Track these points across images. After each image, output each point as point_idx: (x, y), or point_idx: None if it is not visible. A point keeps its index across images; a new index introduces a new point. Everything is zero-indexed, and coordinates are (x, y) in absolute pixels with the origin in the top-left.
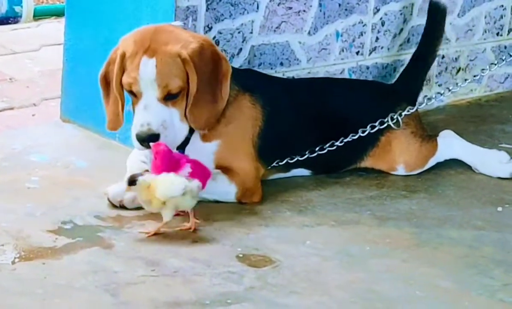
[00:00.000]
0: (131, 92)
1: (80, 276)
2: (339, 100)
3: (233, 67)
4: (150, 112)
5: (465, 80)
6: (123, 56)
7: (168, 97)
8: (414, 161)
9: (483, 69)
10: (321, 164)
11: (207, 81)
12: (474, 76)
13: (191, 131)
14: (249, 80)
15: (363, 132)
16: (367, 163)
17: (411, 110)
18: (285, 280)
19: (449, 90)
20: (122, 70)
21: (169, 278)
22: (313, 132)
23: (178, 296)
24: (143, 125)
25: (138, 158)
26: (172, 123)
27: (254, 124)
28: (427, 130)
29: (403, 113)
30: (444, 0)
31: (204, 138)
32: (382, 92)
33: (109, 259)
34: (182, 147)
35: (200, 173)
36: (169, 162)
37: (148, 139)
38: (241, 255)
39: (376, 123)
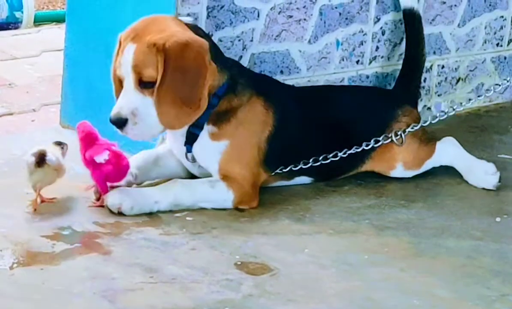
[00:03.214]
0: (118, 79)
1: (78, 282)
2: (347, 108)
3: (250, 70)
4: (125, 97)
5: (469, 100)
6: (120, 42)
7: (144, 86)
8: (412, 161)
9: (487, 90)
10: (324, 171)
11: (182, 81)
12: (479, 96)
13: (200, 128)
14: (264, 85)
15: (367, 145)
16: (368, 166)
17: (415, 128)
18: (283, 288)
19: (453, 110)
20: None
21: (167, 285)
22: (320, 140)
23: (176, 303)
24: (116, 108)
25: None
26: (145, 112)
27: (264, 129)
28: (428, 134)
29: (407, 130)
30: (415, 5)
31: (213, 137)
32: (389, 97)
33: (107, 266)
34: (190, 143)
35: (115, 164)
36: (86, 137)
37: (116, 122)
38: (239, 263)
39: (380, 138)
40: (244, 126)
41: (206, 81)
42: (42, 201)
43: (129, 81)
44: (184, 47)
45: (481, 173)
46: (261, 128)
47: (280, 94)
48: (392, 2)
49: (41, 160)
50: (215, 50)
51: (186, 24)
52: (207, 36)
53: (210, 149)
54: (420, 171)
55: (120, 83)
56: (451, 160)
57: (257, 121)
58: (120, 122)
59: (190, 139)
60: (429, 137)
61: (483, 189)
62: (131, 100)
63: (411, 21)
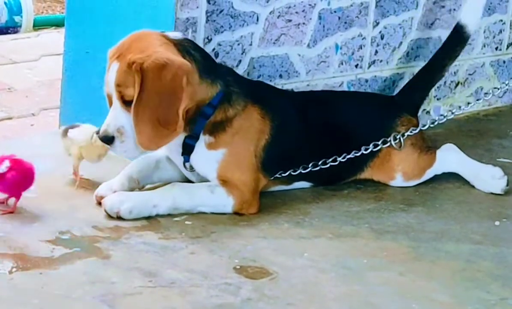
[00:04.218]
0: (109, 95)
1: (77, 287)
2: (346, 114)
3: (245, 78)
4: (111, 114)
5: (468, 103)
6: (109, 58)
7: (127, 104)
8: (412, 171)
9: (486, 93)
10: (323, 177)
11: (158, 101)
12: (477, 99)
13: (196, 138)
14: (260, 93)
15: (366, 150)
16: (367, 174)
17: (414, 132)
18: (282, 292)
19: (452, 113)
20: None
21: (166, 289)
22: (318, 146)
23: (175, 307)
24: (104, 125)
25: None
26: (131, 130)
27: (260, 136)
28: (427, 143)
29: (406, 134)
30: (472, 27)
31: (210, 146)
32: (388, 105)
33: (107, 270)
34: (187, 154)
35: (19, 169)
36: None
37: (104, 140)
38: (238, 267)
39: (379, 142)
40: (240, 135)
41: (181, 103)
42: (80, 178)
43: (115, 100)
44: (162, 67)
45: (488, 177)
46: (257, 136)
47: (277, 101)
48: (391, 6)
49: (66, 131)
50: (206, 61)
51: (174, 40)
52: (197, 50)
53: (208, 158)
54: (421, 180)
55: (111, 99)
56: (455, 166)
57: (254, 130)
58: (107, 140)
59: (187, 150)
60: (428, 146)
61: (491, 193)
62: (117, 118)
63: (456, 37)
